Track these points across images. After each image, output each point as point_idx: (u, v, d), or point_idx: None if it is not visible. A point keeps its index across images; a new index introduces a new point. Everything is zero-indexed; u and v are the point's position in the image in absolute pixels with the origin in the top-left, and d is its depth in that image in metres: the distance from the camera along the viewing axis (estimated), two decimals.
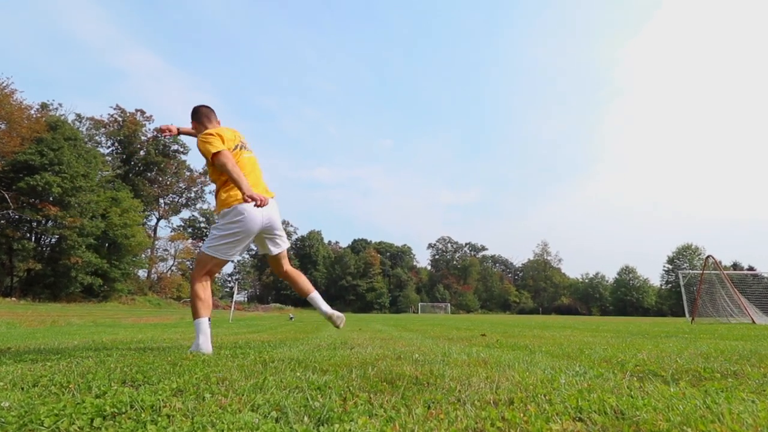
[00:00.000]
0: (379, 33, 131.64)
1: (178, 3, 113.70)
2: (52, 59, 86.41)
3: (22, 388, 1.51)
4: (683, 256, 67.09)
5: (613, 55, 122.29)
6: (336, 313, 3.13)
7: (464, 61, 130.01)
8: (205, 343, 2.65)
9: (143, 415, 1.14)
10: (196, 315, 2.70)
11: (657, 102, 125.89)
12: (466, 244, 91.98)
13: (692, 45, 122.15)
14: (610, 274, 78.85)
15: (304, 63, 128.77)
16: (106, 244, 35.48)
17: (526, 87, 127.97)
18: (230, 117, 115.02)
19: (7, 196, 27.46)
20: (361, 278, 72.19)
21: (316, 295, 3.12)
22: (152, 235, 49.81)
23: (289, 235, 79.37)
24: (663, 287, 70.82)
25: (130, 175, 46.45)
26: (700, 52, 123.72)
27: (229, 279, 67.42)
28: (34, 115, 31.51)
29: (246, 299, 69.25)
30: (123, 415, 1.14)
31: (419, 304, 65.96)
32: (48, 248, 32.51)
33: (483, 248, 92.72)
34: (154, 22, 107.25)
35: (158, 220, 52.37)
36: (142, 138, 46.95)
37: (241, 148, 2.90)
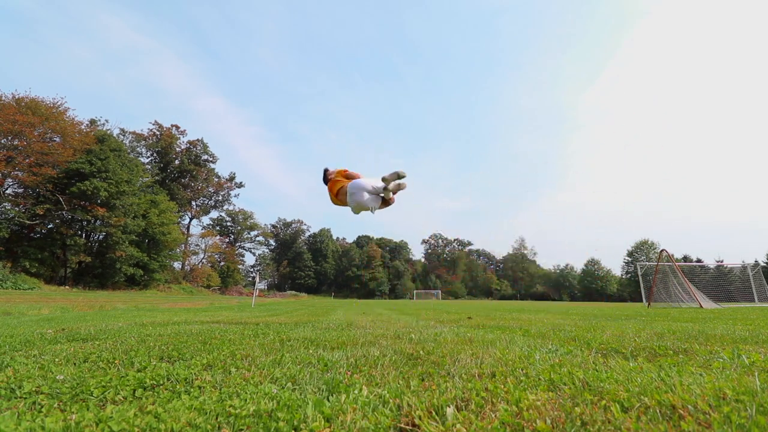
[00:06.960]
0: (392, 77, 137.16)
1: (239, 57, 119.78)
2: (139, 101, 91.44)
3: (75, 364, 1.52)
4: (641, 250, 66.76)
5: (576, 99, 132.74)
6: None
7: (460, 97, 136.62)
8: None
9: (178, 387, 1.14)
10: None
11: (608, 134, 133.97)
12: (454, 239, 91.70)
13: (636, 91, 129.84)
14: (578, 266, 78.74)
15: (333, 99, 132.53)
16: (146, 240, 35.40)
17: (508, 118, 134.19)
18: (273, 140, 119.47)
19: (61, 199, 27.47)
20: (365, 269, 71.99)
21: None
22: (186, 232, 49.71)
23: (302, 232, 79.25)
24: (623, 277, 70.47)
25: (167, 181, 46.41)
26: (638, 96, 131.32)
27: (252, 270, 67.24)
28: (84, 130, 31.50)
29: (266, 287, 68.97)
30: (161, 387, 1.14)
31: (414, 291, 65.72)
32: (96, 244, 32.47)
33: (469, 243, 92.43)
34: (220, 72, 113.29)
35: (191, 219, 52.33)
36: (177, 149, 46.90)
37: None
